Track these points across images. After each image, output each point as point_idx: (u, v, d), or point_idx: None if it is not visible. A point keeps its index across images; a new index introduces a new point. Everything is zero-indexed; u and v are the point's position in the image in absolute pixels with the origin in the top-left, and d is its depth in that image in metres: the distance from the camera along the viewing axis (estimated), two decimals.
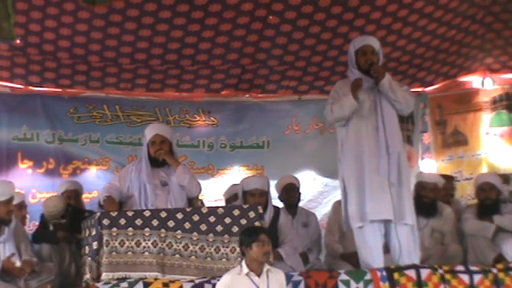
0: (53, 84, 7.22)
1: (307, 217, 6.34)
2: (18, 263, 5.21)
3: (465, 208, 6.41)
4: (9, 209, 5.32)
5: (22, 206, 6.19)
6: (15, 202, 5.59)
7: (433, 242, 6.03)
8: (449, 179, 6.93)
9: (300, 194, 6.42)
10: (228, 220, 4.92)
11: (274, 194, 6.14)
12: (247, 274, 4.33)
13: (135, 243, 4.77)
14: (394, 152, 5.11)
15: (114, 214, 4.83)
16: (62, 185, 6.52)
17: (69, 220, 5.84)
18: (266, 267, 4.38)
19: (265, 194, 5.66)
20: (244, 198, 5.69)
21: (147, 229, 4.80)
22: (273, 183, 6.02)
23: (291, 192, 6.33)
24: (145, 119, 7.46)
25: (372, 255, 5.13)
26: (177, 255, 4.82)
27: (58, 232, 5.74)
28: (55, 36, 6.62)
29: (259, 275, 4.34)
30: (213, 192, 7.39)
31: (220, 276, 4.68)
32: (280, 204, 6.24)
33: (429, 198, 6.05)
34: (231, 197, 6.36)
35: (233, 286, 4.32)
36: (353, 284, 4.85)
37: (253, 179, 5.92)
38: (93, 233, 4.80)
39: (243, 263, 4.38)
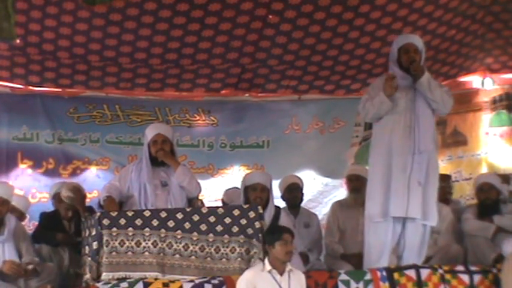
0: (52, 84, 7.21)
1: (309, 217, 6.34)
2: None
3: (465, 208, 6.41)
4: None
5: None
6: None
7: (432, 243, 6.03)
8: (445, 178, 6.92)
9: (303, 194, 6.42)
10: (228, 220, 4.92)
11: (276, 193, 6.12)
12: (269, 271, 4.40)
13: (135, 243, 4.77)
14: (424, 151, 5.14)
15: (114, 214, 4.84)
16: (53, 187, 6.50)
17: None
18: (288, 267, 4.46)
19: (266, 190, 5.62)
20: (246, 194, 5.64)
21: (147, 229, 4.80)
22: (273, 183, 6.01)
23: (294, 192, 6.33)
24: (145, 119, 7.46)
25: (380, 254, 5.16)
26: (177, 255, 4.83)
27: (57, 234, 5.73)
28: (55, 36, 6.61)
29: (281, 274, 4.42)
30: (213, 192, 7.39)
31: (220, 276, 4.70)
32: (283, 204, 6.24)
33: None
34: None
35: (255, 282, 4.38)
36: (353, 284, 4.88)
37: (255, 174, 5.95)
38: (93, 233, 4.80)
39: (266, 261, 4.46)
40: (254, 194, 5.57)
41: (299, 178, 6.54)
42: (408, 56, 5.24)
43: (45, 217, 6.07)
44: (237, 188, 6.51)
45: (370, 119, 5.41)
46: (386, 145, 5.23)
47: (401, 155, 5.16)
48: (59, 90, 7.30)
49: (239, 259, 4.86)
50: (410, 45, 5.30)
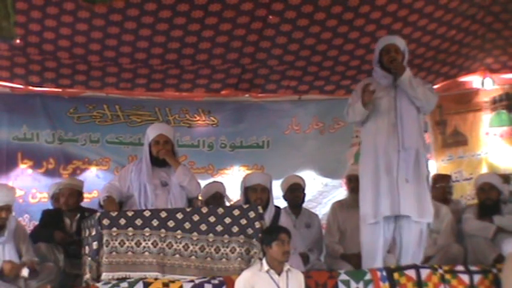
0: (53, 84, 7.21)
1: (310, 218, 6.34)
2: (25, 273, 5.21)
3: (465, 208, 6.41)
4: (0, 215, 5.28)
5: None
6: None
7: (432, 243, 6.04)
8: (445, 178, 6.93)
9: (304, 194, 6.42)
10: (228, 220, 4.92)
11: (277, 193, 6.12)
12: (267, 271, 4.41)
13: (135, 243, 4.77)
14: (410, 148, 5.14)
15: (114, 214, 4.83)
16: (52, 187, 6.51)
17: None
18: (286, 266, 4.48)
19: (266, 191, 5.64)
20: (246, 195, 5.67)
21: (147, 229, 4.80)
22: (273, 183, 6.01)
23: (296, 192, 6.32)
24: (145, 119, 7.46)
25: (374, 254, 5.16)
26: (177, 255, 4.83)
27: (55, 233, 5.72)
28: (55, 36, 6.61)
29: (279, 274, 4.42)
30: None
31: (220, 276, 4.70)
32: (284, 204, 6.24)
33: None
34: (210, 197, 6.31)
35: (253, 282, 4.39)
36: (353, 284, 4.87)
37: (255, 175, 5.94)
38: (93, 233, 4.80)
39: (264, 261, 4.47)
40: (254, 195, 5.58)
41: (301, 178, 6.54)
42: (389, 56, 5.28)
43: (47, 214, 6.06)
44: (211, 182, 6.53)
45: (354, 123, 5.48)
46: (373, 145, 5.26)
47: (387, 153, 5.18)
48: (59, 90, 7.30)
49: (239, 259, 4.86)
50: (391, 46, 5.35)
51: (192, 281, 4.67)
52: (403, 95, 5.24)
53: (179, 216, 4.87)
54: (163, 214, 4.86)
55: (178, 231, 4.84)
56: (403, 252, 5.21)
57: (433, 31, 7.25)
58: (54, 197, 6.31)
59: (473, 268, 5.14)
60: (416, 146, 5.20)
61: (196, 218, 4.89)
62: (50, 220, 5.92)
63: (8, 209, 5.32)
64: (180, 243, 4.84)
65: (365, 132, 5.40)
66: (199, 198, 5.74)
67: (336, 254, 6.00)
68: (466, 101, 8.18)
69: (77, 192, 6.00)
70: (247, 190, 5.68)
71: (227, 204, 6.41)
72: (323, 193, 7.79)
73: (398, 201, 5.09)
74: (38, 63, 6.95)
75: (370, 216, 5.20)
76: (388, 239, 5.20)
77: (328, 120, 7.91)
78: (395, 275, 4.94)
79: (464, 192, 7.87)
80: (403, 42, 5.44)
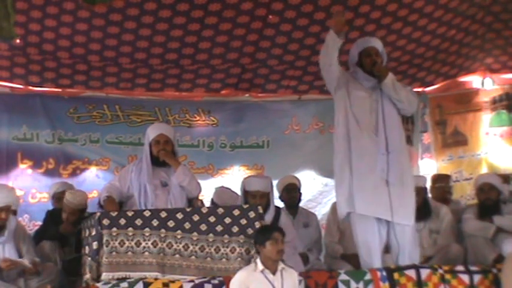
0: (53, 84, 7.22)
1: (308, 217, 6.35)
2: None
3: (465, 208, 6.42)
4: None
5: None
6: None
7: (432, 243, 6.04)
8: (445, 178, 6.93)
9: (300, 194, 6.43)
10: (228, 220, 4.92)
11: (275, 193, 6.12)
12: (262, 271, 4.40)
13: (135, 243, 4.77)
14: (393, 151, 5.14)
15: (114, 214, 4.82)
16: (52, 187, 6.50)
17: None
18: (281, 265, 4.47)
19: (266, 196, 5.65)
20: (245, 197, 5.69)
21: (147, 229, 4.80)
22: (273, 183, 6.01)
23: (292, 192, 6.34)
24: (145, 119, 7.47)
25: (371, 255, 5.15)
26: (177, 255, 4.82)
27: (61, 226, 5.72)
28: (55, 36, 6.62)
29: (274, 273, 4.42)
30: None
31: (220, 276, 4.70)
32: (281, 204, 6.24)
33: (417, 203, 5.99)
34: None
35: (248, 283, 4.39)
36: (353, 284, 4.87)
37: (255, 180, 5.85)
38: (93, 233, 4.80)
39: (258, 261, 4.45)
40: (254, 200, 5.59)
41: (296, 178, 6.55)
42: (370, 59, 5.28)
43: (50, 214, 6.05)
44: (226, 188, 6.51)
45: (323, 63, 5.31)
46: (355, 146, 5.22)
47: (371, 156, 5.15)
48: (59, 90, 7.31)
49: (239, 259, 4.86)
50: (371, 49, 5.34)
51: (192, 281, 4.67)
52: (385, 97, 5.24)
53: (179, 216, 4.87)
54: (163, 214, 4.86)
55: (178, 231, 4.84)
56: (400, 252, 5.20)
57: (433, 31, 7.25)
58: (55, 197, 6.31)
59: (473, 268, 5.14)
60: (398, 149, 5.20)
61: (196, 218, 4.89)
62: (54, 220, 5.91)
63: (7, 209, 5.31)
64: (180, 243, 4.84)
65: (348, 133, 5.29)
66: (199, 198, 5.74)
67: (336, 254, 6.01)
68: (466, 101, 8.19)
69: (79, 211, 5.95)
70: (247, 194, 5.69)
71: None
72: (323, 193, 7.79)
73: (382, 203, 5.08)
74: (38, 63, 6.95)
75: (344, 209, 5.18)
76: (383, 240, 5.19)
77: (328, 120, 7.87)
78: (396, 275, 4.94)
79: (464, 192, 7.88)
80: (381, 44, 5.44)
